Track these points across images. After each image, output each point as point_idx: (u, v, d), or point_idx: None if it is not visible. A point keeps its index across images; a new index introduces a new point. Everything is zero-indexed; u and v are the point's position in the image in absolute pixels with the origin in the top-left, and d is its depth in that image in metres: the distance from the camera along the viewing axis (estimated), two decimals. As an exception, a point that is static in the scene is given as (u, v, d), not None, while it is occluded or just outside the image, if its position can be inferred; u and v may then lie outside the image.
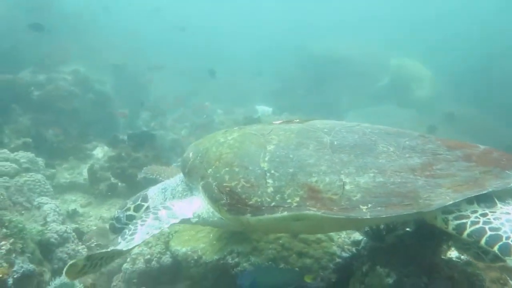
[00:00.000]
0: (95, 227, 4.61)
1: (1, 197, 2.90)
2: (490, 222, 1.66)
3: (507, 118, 12.45)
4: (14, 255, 2.63)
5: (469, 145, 2.03)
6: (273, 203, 1.94)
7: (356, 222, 1.96)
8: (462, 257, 2.39)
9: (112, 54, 13.42)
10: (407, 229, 2.30)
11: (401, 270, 2.01)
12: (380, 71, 16.95)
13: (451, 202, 1.75)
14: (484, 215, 1.71)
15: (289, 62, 18.66)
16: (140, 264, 3.17)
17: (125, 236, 1.96)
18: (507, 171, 1.83)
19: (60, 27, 12.26)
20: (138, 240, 1.92)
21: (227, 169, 2.10)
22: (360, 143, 2.08)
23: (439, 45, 22.03)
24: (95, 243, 3.89)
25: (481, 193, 1.76)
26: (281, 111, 13.36)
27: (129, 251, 1.95)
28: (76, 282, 2.57)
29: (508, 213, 1.71)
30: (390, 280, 1.99)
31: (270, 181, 1.99)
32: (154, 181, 3.27)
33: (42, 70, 9.93)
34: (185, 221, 2.24)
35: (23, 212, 3.74)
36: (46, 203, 3.95)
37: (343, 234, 2.84)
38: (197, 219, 2.24)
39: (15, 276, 2.54)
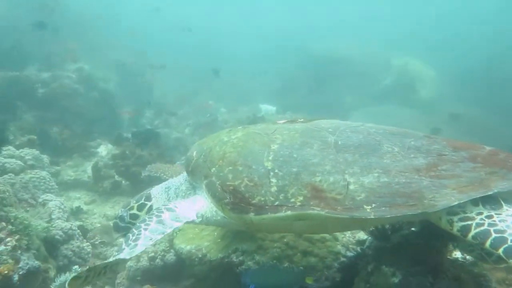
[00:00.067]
0: (99, 225, 4.64)
1: (7, 193, 2.90)
2: (495, 224, 1.65)
3: (510, 118, 12.36)
4: (19, 251, 2.65)
5: (475, 146, 2.02)
6: (276, 202, 1.94)
7: (360, 222, 1.95)
8: (468, 257, 2.37)
9: (115, 52, 13.48)
10: (413, 228, 2.29)
11: (407, 269, 2.00)
12: (382, 71, 16.90)
13: (456, 203, 1.74)
14: (489, 217, 1.69)
15: (291, 62, 18.65)
16: (144, 261, 3.18)
17: (129, 242, 1.96)
18: (513, 173, 1.82)
19: (64, 25, 12.33)
20: (141, 247, 1.91)
21: (230, 168, 2.10)
22: (365, 143, 2.07)
23: (441, 44, 21.90)
24: (99, 241, 3.92)
25: (486, 194, 1.75)
26: (284, 110, 13.34)
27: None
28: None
29: None
30: (395, 280, 1.99)
31: (273, 180, 1.99)
32: (158, 179, 3.28)
33: (47, 67, 10.00)
34: (188, 223, 2.24)
35: (28, 209, 3.77)
36: (51, 200, 3.98)
37: (348, 233, 2.83)
38: (200, 219, 2.23)
39: (20, 273, 2.56)
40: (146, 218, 2.12)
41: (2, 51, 9.76)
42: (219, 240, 2.89)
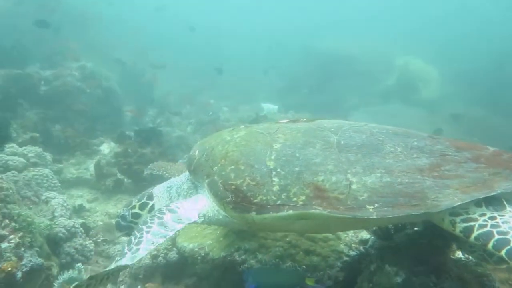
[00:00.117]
0: (101, 223, 4.65)
1: (10, 191, 2.92)
2: (498, 226, 1.64)
3: (514, 119, 12.30)
4: (22, 249, 2.66)
5: (478, 147, 2.01)
6: (278, 202, 1.94)
7: (363, 222, 1.95)
8: (470, 257, 2.37)
9: (116, 51, 13.49)
10: (416, 228, 2.29)
11: (410, 269, 2.00)
12: (386, 70, 16.86)
13: (459, 203, 1.74)
14: (492, 218, 1.69)
15: (294, 61, 18.62)
16: (146, 259, 3.19)
17: (131, 246, 1.95)
18: (517, 173, 1.81)
19: (66, 23, 12.36)
20: (143, 251, 1.91)
21: (232, 167, 2.10)
22: (367, 143, 2.07)
23: (444, 44, 21.81)
24: (101, 238, 3.93)
25: (489, 194, 1.75)
26: (286, 109, 13.34)
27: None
28: (84, 277, 2.60)
29: None
30: (398, 279, 1.99)
31: (275, 179, 1.99)
32: (160, 177, 3.28)
33: (49, 65, 10.03)
34: (190, 224, 2.24)
35: (31, 206, 3.78)
36: (54, 198, 4.00)
37: (351, 232, 2.83)
38: (202, 219, 2.24)
39: (23, 270, 2.57)
40: (148, 220, 2.11)
41: (4, 50, 9.80)
42: (222, 239, 2.90)
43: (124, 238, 3.52)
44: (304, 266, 2.55)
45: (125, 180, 5.88)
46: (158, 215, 2.14)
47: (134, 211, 2.56)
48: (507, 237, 1.60)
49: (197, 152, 2.42)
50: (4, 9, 11.90)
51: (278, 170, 2.01)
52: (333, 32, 21.23)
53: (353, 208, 1.85)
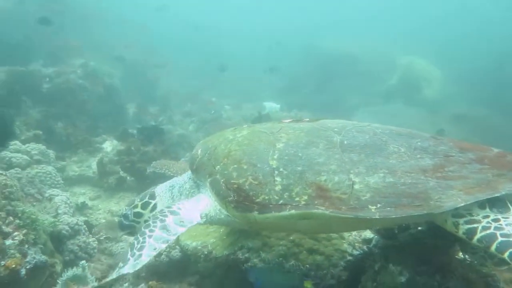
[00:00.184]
0: (104, 220, 4.67)
1: (14, 188, 2.93)
2: (501, 228, 1.64)
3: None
4: (27, 246, 2.67)
5: (482, 148, 2.01)
6: (280, 201, 1.94)
7: (365, 222, 1.96)
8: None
9: (119, 49, 13.50)
10: (419, 228, 2.28)
11: (414, 268, 2.00)
12: (388, 70, 16.83)
13: (462, 204, 1.74)
14: (496, 220, 1.69)
15: (295, 60, 18.59)
16: (149, 257, 3.20)
17: (134, 251, 1.96)
18: (521, 175, 1.81)
19: (69, 21, 12.39)
20: (146, 257, 1.92)
21: (235, 166, 2.10)
22: (371, 143, 2.07)
23: (447, 44, 21.73)
24: (104, 236, 3.95)
25: (493, 196, 1.75)
26: (288, 108, 13.34)
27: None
28: (88, 274, 2.62)
29: None
30: (402, 279, 1.99)
31: (278, 179, 1.99)
32: (163, 176, 3.29)
33: (52, 63, 10.05)
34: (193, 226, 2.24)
35: (34, 203, 3.80)
36: (57, 195, 4.02)
37: (354, 232, 2.83)
38: (205, 219, 2.24)
39: (27, 267, 2.58)
40: (151, 222, 2.11)
41: (7, 47, 9.82)
42: (225, 237, 2.90)
43: (127, 237, 3.54)
44: (307, 265, 2.55)
45: (128, 178, 5.89)
46: (161, 217, 2.14)
47: (136, 210, 2.57)
48: (511, 239, 1.59)
49: (199, 151, 2.42)
50: (7, 8, 11.93)
51: (281, 169, 2.02)
52: (333, 32, 21.20)
53: (356, 208, 1.86)
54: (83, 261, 2.75)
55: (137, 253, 1.94)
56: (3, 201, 2.77)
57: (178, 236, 3.17)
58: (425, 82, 16.44)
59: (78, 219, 3.68)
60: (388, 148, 2.03)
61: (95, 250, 3.56)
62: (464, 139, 2.24)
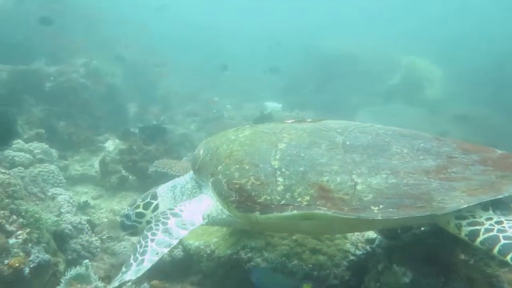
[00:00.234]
0: (106, 220, 4.69)
1: (18, 187, 2.94)
2: (504, 230, 1.64)
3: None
4: (30, 244, 2.67)
5: (486, 149, 2.01)
6: (282, 202, 1.95)
7: (367, 223, 1.96)
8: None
9: (120, 48, 13.52)
10: (423, 228, 2.28)
11: (418, 269, 2.01)
12: (389, 70, 16.81)
13: (465, 206, 1.74)
14: (499, 222, 1.69)
15: (295, 60, 18.58)
16: (152, 257, 3.20)
17: (137, 255, 1.96)
18: (524, 177, 1.81)
19: (71, 20, 12.41)
20: (148, 263, 1.92)
21: (237, 166, 2.11)
22: (373, 143, 2.08)
23: (447, 44, 21.67)
24: (106, 235, 3.96)
25: (496, 197, 1.75)
26: (290, 108, 13.33)
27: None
28: (91, 273, 2.63)
29: None
30: (406, 279, 1.99)
31: (280, 179, 2.00)
32: (165, 175, 3.30)
33: (54, 62, 10.08)
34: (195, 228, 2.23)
35: (37, 202, 3.81)
36: (60, 194, 4.03)
37: (356, 232, 2.83)
38: (207, 220, 2.24)
39: (31, 266, 2.58)
40: (153, 225, 2.11)
41: (8, 46, 9.86)
42: (228, 237, 2.91)
43: (129, 237, 3.55)
44: (310, 265, 2.56)
45: (130, 177, 5.90)
46: (163, 220, 2.14)
47: (138, 210, 2.58)
48: None
49: (201, 151, 2.43)
50: (7, 7, 11.96)
51: (283, 170, 2.02)
52: (334, 31, 21.17)
53: (358, 209, 1.86)
54: (86, 260, 2.76)
55: (140, 258, 1.95)
56: (7, 200, 2.78)
57: (181, 236, 3.19)
58: (427, 82, 16.41)
59: (81, 218, 3.69)
60: (390, 149, 2.04)
61: (98, 249, 3.57)
62: (465, 139, 2.24)
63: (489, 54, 18.24)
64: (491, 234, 1.65)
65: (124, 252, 3.65)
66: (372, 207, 1.84)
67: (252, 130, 2.39)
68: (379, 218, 1.82)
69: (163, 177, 3.12)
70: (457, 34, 24.15)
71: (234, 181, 2.07)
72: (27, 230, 2.73)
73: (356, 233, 2.79)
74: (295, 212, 1.92)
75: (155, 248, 1.98)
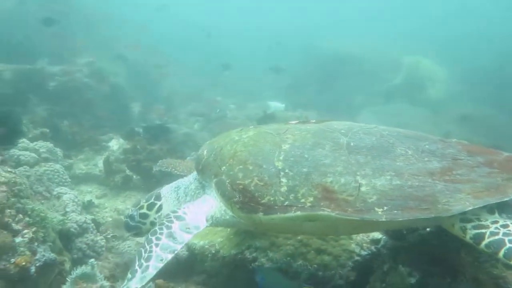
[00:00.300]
0: (110, 219, 4.71)
1: (24, 185, 2.96)
2: (510, 234, 1.64)
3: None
4: (36, 243, 2.68)
5: (491, 151, 2.00)
6: (286, 202, 1.95)
7: (371, 224, 1.96)
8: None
9: (121, 48, 13.56)
10: (428, 229, 2.28)
11: (424, 269, 2.00)
12: (391, 70, 16.75)
13: (470, 208, 1.74)
14: (505, 226, 1.68)
15: (297, 60, 18.55)
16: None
17: (141, 261, 1.96)
18: (531, 179, 1.80)
19: (74, 20, 12.48)
20: (153, 270, 1.92)
21: (241, 167, 2.11)
22: (378, 145, 2.08)
23: (452, 44, 21.56)
24: (111, 234, 3.99)
25: (502, 200, 1.74)
26: (293, 107, 13.33)
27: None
28: (97, 272, 2.65)
29: None
30: (412, 280, 1.99)
31: (284, 180, 2.00)
32: (169, 175, 3.31)
33: (57, 61, 10.14)
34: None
35: (42, 201, 3.83)
36: (65, 193, 4.05)
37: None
38: (210, 221, 2.25)
39: (37, 265, 2.60)
40: (157, 229, 2.12)
41: (11, 45, 9.92)
42: (232, 236, 2.92)
43: (134, 239, 3.56)
44: (315, 265, 2.56)
45: (134, 176, 5.91)
46: (167, 223, 2.14)
47: (142, 211, 2.58)
48: None
49: (205, 152, 2.43)
50: (8, 8, 12.04)
51: (287, 170, 2.02)
52: (335, 31, 21.11)
53: (362, 210, 1.86)
54: (92, 260, 2.77)
55: (145, 264, 1.95)
56: (13, 199, 2.80)
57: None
58: (429, 82, 16.35)
59: (86, 218, 3.72)
60: (395, 150, 2.03)
61: (103, 249, 3.59)
62: (468, 139, 2.24)
63: (491, 54, 18.13)
64: (496, 237, 1.64)
65: (129, 251, 3.67)
66: (376, 209, 1.84)
67: (256, 130, 2.39)
68: (383, 219, 1.82)
69: (167, 177, 3.13)
70: (458, 34, 24.05)
71: (237, 182, 2.08)
72: (33, 229, 2.75)
73: (361, 234, 2.79)
74: (298, 213, 1.92)
75: (159, 253, 1.98)
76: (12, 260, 2.53)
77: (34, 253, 2.66)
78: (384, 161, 1.98)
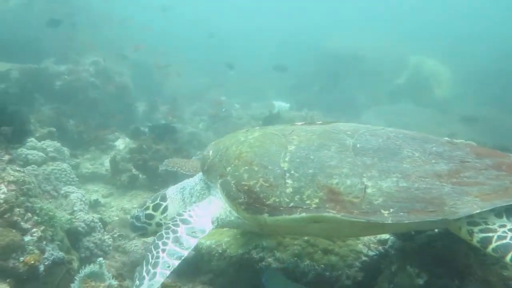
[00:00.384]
0: (117, 218, 4.74)
1: (32, 184, 2.99)
2: None
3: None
4: (44, 242, 2.72)
5: (500, 154, 1.99)
6: (291, 204, 1.95)
7: (377, 227, 1.95)
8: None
9: (126, 48, 13.64)
10: (436, 230, 2.27)
11: (432, 271, 1.99)
12: (397, 69, 16.66)
13: (478, 211, 1.73)
14: None
15: (305, 59, 18.50)
16: (162, 255, 3.23)
17: (148, 267, 1.96)
18: (540, 182, 1.78)
19: (79, 20, 12.58)
20: (160, 278, 1.92)
21: (246, 167, 2.11)
22: (384, 147, 2.07)
23: (458, 44, 21.34)
24: (117, 234, 4.02)
25: (511, 203, 1.72)
26: (298, 107, 13.31)
27: None
28: (105, 271, 2.68)
29: None
30: (420, 281, 1.98)
31: (289, 181, 2.00)
32: (175, 174, 3.32)
33: (63, 61, 10.23)
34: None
35: (50, 200, 3.88)
36: (73, 192, 4.10)
37: (367, 234, 2.81)
38: (216, 223, 2.25)
39: (46, 263, 2.64)
40: (163, 233, 2.11)
41: (19, 45, 10.02)
42: (239, 236, 2.92)
43: (140, 241, 3.58)
44: (322, 265, 2.56)
45: (140, 176, 5.93)
46: (173, 227, 2.14)
47: (147, 212, 2.59)
48: None
49: (211, 152, 2.44)
50: (14, 8, 12.17)
51: (292, 172, 2.02)
52: (339, 31, 20.96)
53: (368, 212, 1.85)
54: (101, 258, 2.80)
55: (152, 270, 1.94)
56: (22, 198, 2.83)
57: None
58: (434, 82, 16.25)
59: (93, 216, 3.75)
60: (402, 152, 2.03)
61: (110, 247, 3.62)
62: (473, 140, 2.22)
63: (496, 54, 17.94)
64: (504, 241, 1.63)
65: (135, 250, 3.70)
66: (382, 211, 1.84)
67: (262, 131, 2.39)
68: (389, 222, 1.81)
69: (173, 176, 3.14)
70: (464, 34, 23.83)
71: (243, 183, 2.08)
72: (42, 227, 2.78)
73: (367, 235, 2.78)
74: (303, 214, 1.92)
75: (166, 260, 1.98)
76: (21, 258, 2.57)
77: (42, 251, 2.69)
78: (390, 163, 1.98)
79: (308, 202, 1.93)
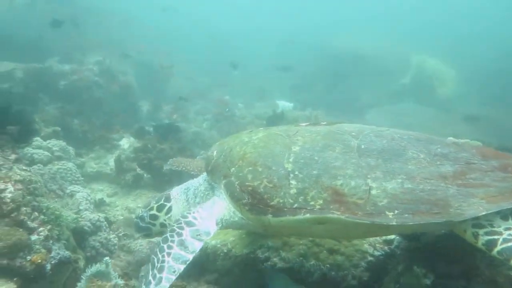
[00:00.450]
0: (121, 217, 4.77)
1: (39, 184, 3.01)
2: None
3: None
4: (51, 241, 2.73)
5: (506, 156, 1.98)
6: (295, 205, 1.95)
7: (381, 228, 1.95)
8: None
9: (129, 48, 13.68)
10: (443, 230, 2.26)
11: (439, 271, 1.98)
12: (401, 69, 16.58)
13: (484, 213, 1.72)
14: None
15: (306, 59, 18.46)
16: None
17: (154, 272, 1.96)
18: (546, 185, 1.77)
19: (83, 20, 12.63)
20: (166, 283, 1.92)
21: (250, 168, 2.11)
22: (389, 148, 2.06)
23: (458, 44, 21.17)
24: (122, 233, 4.05)
25: (517, 205, 1.71)
26: (301, 106, 13.29)
27: None
28: (111, 271, 2.70)
29: None
30: (427, 281, 1.97)
31: (293, 182, 2.00)
32: (179, 173, 3.33)
33: (67, 60, 10.29)
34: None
35: (56, 199, 3.91)
36: (78, 192, 4.13)
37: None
38: (220, 225, 2.25)
39: (52, 262, 2.64)
40: (168, 236, 2.12)
41: (23, 44, 10.08)
42: (245, 236, 2.92)
43: (144, 241, 3.59)
44: (327, 265, 2.55)
45: (145, 175, 5.96)
46: (177, 230, 2.14)
47: (151, 212, 2.60)
48: None
49: (215, 153, 2.44)
50: (18, 8, 12.24)
51: (296, 172, 2.02)
52: (343, 30, 20.87)
53: (372, 214, 1.85)
54: (107, 258, 2.82)
55: (158, 275, 1.95)
56: (28, 197, 2.85)
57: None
58: (438, 82, 16.15)
59: (99, 216, 3.77)
60: (406, 153, 2.02)
61: (116, 247, 3.65)
62: (476, 139, 2.20)
63: (498, 54, 17.77)
64: (509, 244, 1.63)
65: (140, 249, 3.73)
66: (387, 212, 1.83)
67: (266, 132, 2.39)
68: (394, 223, 1.80)
69: (178, 176, 3.15)
70: (464, 33, 23.66)
71: (247, 183, 2.08)
72: (48, 227, 2.79)
73: (373, 235, 2.76)
74: (307, 215, 1.92)
75: (172, 264, 1.98)
76: (28, 257, 2.58)
77: (49, 250, 2.70)
78: (395, 164, 1.97)
79: (312, 203, 1.93)
